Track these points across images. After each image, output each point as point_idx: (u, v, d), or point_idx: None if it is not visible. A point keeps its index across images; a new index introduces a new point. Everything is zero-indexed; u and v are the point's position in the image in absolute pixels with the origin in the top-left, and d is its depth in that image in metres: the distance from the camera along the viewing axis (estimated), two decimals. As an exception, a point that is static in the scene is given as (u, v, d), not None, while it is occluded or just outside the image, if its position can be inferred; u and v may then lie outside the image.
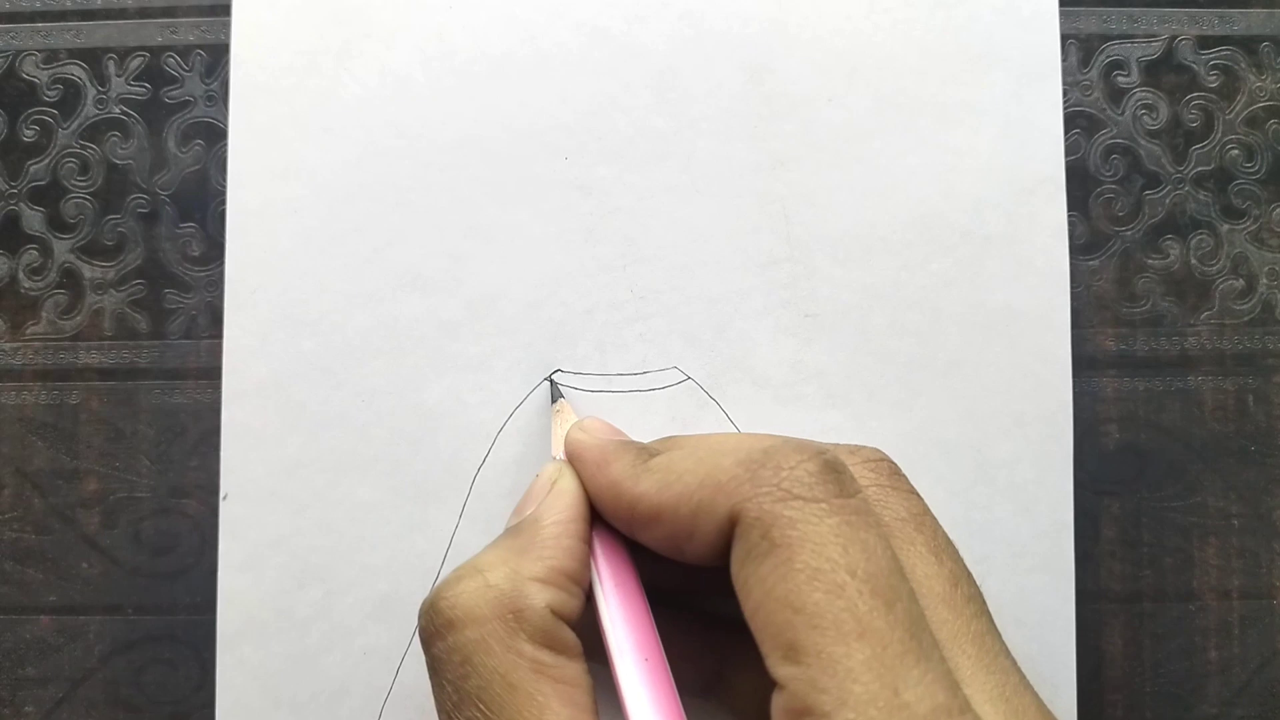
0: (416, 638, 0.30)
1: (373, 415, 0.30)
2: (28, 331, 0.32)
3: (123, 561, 0.31)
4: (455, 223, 0.31)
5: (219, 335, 0.31)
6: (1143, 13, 0.33)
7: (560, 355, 0.31)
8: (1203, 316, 0.32)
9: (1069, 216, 0.31)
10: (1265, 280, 0.32)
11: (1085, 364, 0.32)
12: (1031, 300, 0.31)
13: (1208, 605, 0.31)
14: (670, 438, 0.25)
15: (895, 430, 0.31)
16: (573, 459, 0.25)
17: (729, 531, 0.21)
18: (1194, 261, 0.32)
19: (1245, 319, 0.32)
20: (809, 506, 0.20)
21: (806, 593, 0.19)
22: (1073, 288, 0.31)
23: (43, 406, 0.31)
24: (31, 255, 0.32)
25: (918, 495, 0.24)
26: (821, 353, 0.31)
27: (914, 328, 0.31)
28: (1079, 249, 0.32)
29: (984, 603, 0.23)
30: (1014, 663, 0.22)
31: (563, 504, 0.24)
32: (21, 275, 0.32)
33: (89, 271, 0.32)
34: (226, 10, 0.32)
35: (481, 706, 0.21)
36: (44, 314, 0.32)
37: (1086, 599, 0.31)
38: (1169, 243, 0.32)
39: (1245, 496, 0.32)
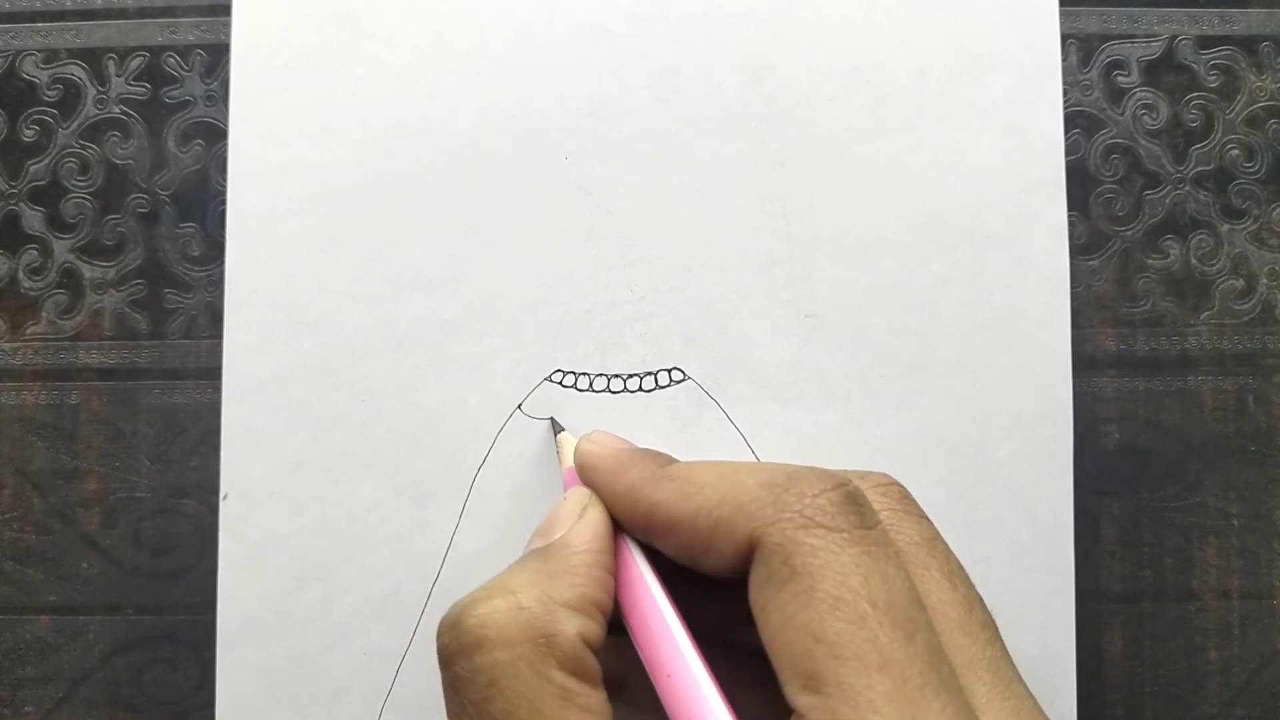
0: (416, 637, 0.30)
1: (373, 415, 0.30)
2: (28, 331, 0.32)
3: (123, 561, 0.31)
4: (455, 223, 0.31)
5: (219, 335, 0.31)
6: (1143, 13, 0.33)
7: (560, 355, 0.31)
8: (1203, 316, 0.32)
9: (1069, 216, 0.31)
10: (1265, 280, 0.32)
11: (1085, 364, 0.32)
12: (1031, 300, 0.31)
13: (1208, 605, 0.31)
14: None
15: (895, 430, 0.31)
16: (586, 470, 0.25)
17: (747, 552, 0.21)
18: (1194, 261, 0.32)
19: (1245, 319, 0.32)
20: (831, 535, 0.20)
21: (828, 622, 0.19)
22: (1073, 288, 0.31)
23: (43, 406, 0.31)
24: (31, 255, 0.32)
25: (928, 519, 0.24)
26: (821, 353, 0.31)
27: (914, 328, 0.31)
28: (1079, 249, 0.32)
29: (996, 629, 0.23)
30: (1027, 689, 0.22)
31: (593, 533, 0.24)
32: (21, 275, 0.32)
33: (89, 271, 0.32)
34: (226, 10, 0.32)
35: None
36: (44, 314, 0.32)
37: (1086, 599, 0.31)
38: (1169, 243, 0.32)
39: (1245, 496, 0.32)
